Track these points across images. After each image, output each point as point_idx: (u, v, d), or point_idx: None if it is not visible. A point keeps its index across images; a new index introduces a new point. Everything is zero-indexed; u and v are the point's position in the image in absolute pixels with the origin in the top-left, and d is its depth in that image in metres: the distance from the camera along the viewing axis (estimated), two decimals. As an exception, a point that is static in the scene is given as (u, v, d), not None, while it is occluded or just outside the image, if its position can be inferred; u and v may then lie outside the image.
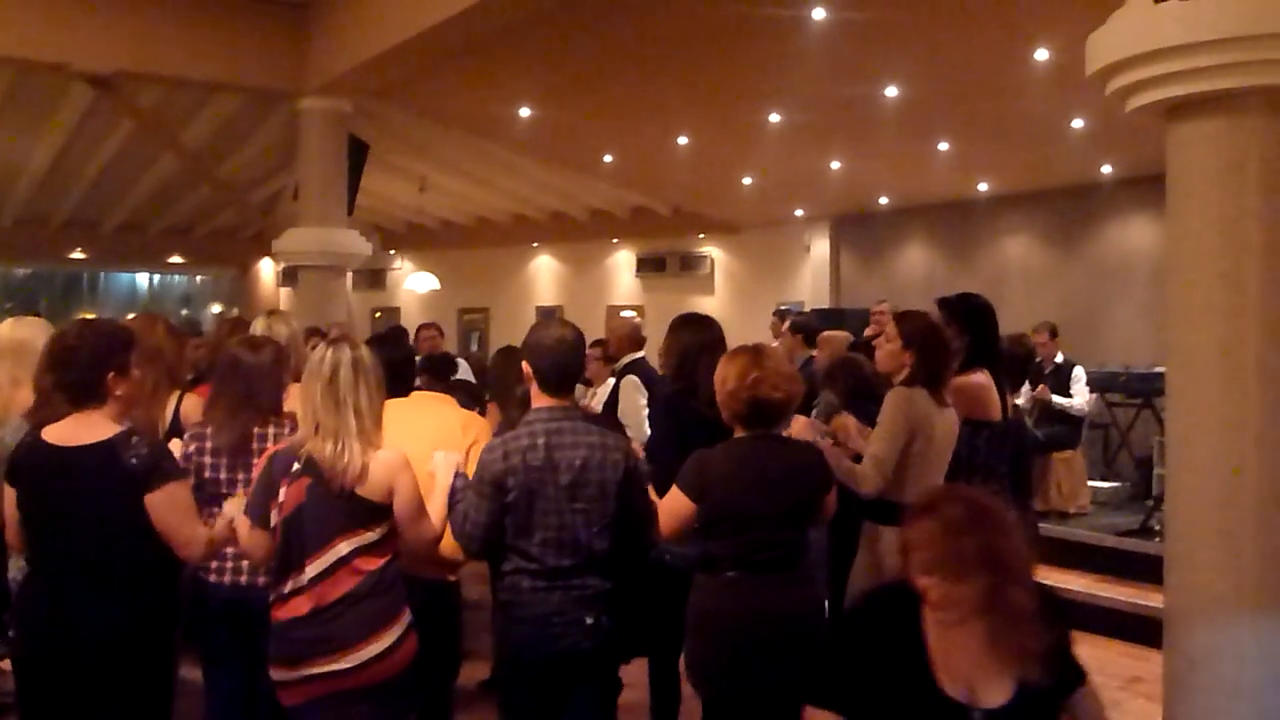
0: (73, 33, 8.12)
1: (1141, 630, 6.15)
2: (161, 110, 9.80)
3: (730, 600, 3.24)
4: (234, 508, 3.10)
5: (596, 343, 6.93)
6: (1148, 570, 6.45)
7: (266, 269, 18.06)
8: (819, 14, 6.66)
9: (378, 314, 17.05)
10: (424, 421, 3.66)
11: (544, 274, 16.80)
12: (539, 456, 3.06)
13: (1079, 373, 8.10)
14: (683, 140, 10.26)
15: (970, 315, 4.22)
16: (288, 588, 2.95)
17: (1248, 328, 3.06)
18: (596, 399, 6.36)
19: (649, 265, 15.29)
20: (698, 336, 4.11)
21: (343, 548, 2.93)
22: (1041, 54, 6.90)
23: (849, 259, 13.47)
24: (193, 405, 3.87)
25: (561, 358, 3.17)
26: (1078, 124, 8.45)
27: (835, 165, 10.67)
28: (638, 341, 6.32)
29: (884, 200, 12.39)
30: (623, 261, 15.78)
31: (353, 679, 2.92)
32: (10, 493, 3.01)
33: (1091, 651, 6.53)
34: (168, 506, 2.93)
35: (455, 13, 6.57)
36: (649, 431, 4.80)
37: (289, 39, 8.89)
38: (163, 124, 9.81)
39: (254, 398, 3.47)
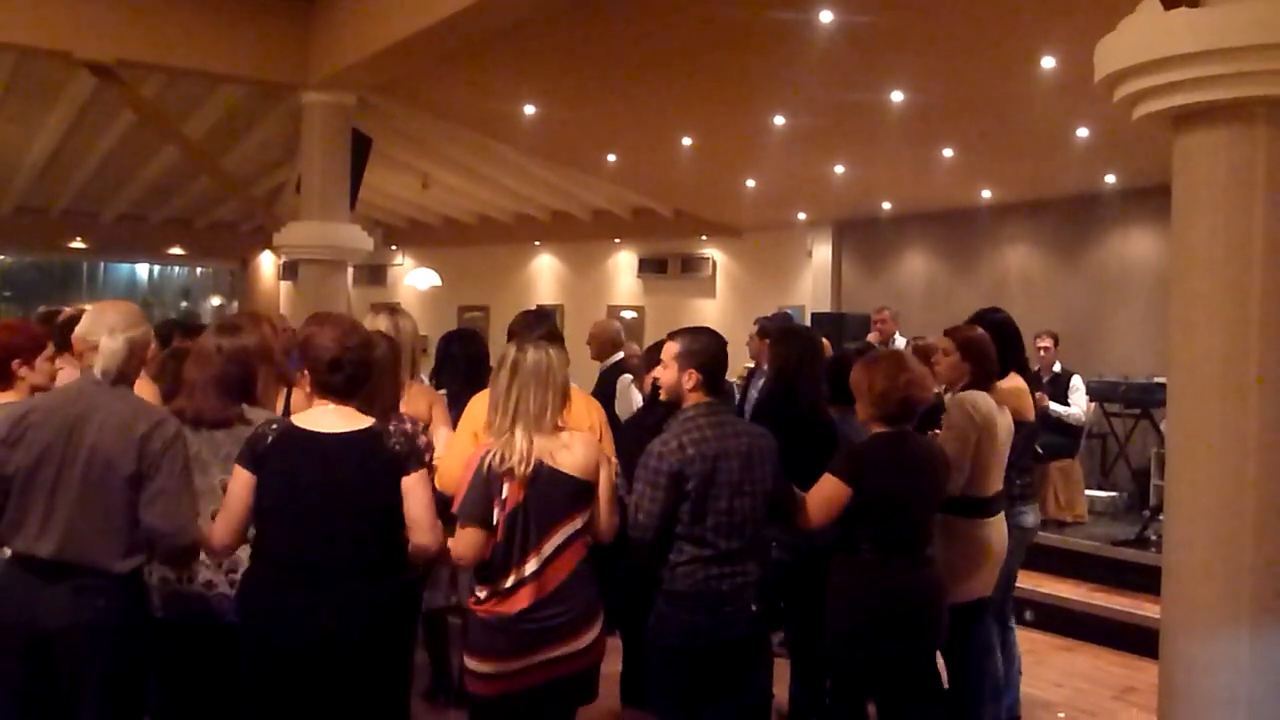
0: (75, 20, 8.09)
1: (1136, 640, 6.15)
2: (164, 101, 9.78)
3: (867, 579, 3.65)
4: None
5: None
6: (1143, 580, 6.46)
7: (267, 262, 18.05)
8: (826, 17, 6.64)
9: (377, 310, 17.05)
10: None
11: (545, 273, 16.79)
12: (712, 447, 3.31)
13: (1077, 382, 8.09)
14: (686, 142, 10.24)
15: (995, 329, 4.60)
16: (509, 581, 3.05)
17: (1250, 339, 3.05)
18: None
19: (650, 266, 15.28)
20: (797, 347, 4.53)
21: (565, 531, 3.09)
22: (1048, 62, 6.89)
23: (851, 264, 13.46)
24: (299, 400, 3.84)
25: (722, 360, 3.50)
26: (1082, 133, 8.44)
27: (839, 170, 10.66)
28: (619, 344, 6.85)
29: (887, 206, 12.39)
30: (624, 262, 15.76)
31: (583, 660, 3.13)
32: (247, 481, 3.01)
33: (1086, 661, 6.58)
34: (420, 489, 3.05)
35: (460, 9, 6.54)
36: None
37: (293, 32, 8.86)
38: (165, 114, 9.77)
39: (376, 395, 3.49)
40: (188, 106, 10.22)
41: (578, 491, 3.12)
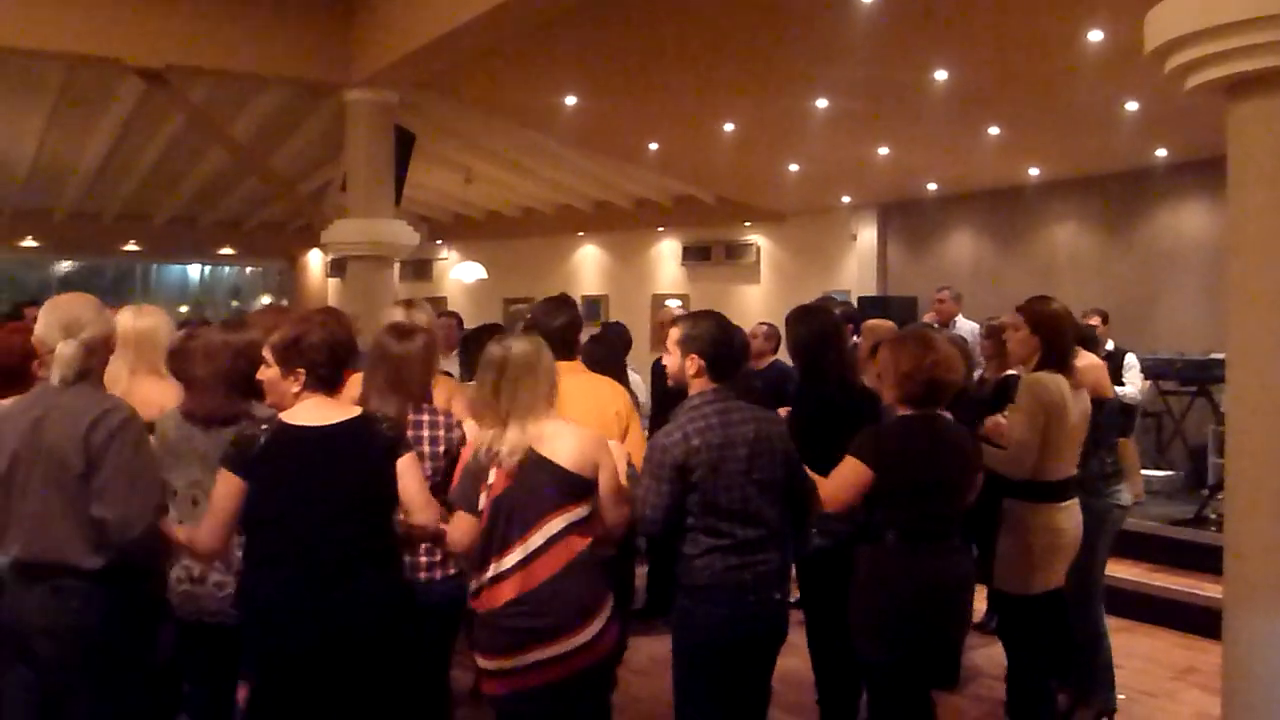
0: (124, 28, 8.23)
1: (1196, 620, 6.07)
2: (211, 103, 9.91)
3: (894, 568, 3.51)
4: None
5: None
6: (1202, 560, 6.37)
7: (315, 260, 18.24)
8: (866, -3, 6.60)
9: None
10: (587, 397, 3.80)
11: (589, 263, 16.82)
12: (718, 435, 3.22)
13: (1132, 360, 7.96)
14: (728, 127, 10.20)
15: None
16: (490, 573, 3.01)
17: (1311, 310, 3.00)
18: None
19: (694, 254, 15.24)
20: (811, 328, 4.38)
21: (557, 523, 3.01)
22: (1095, 35, 6.78)
23: (896, 246, 13.35)
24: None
25: (729, 348, 3.39)
26: (1131, 107, 8.30)
27: (883, 151, 10.56)
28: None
29: (932, 187, 12.26)
30: (668, 250, 15.74)
31: (565, 666, 2.98)
32: (236, 486, 2.97)
33: (1145, 642, 6.48)
34: (413, 470, 3.09)
35: (500, 3, 6.57)
36: None
37: (336, 31, 8.95)
38: (213, 117, 9.92)
39: (403, 385, 3.54)
40: (235, 109, 10.35)
41: (567, 483, 3.03)
